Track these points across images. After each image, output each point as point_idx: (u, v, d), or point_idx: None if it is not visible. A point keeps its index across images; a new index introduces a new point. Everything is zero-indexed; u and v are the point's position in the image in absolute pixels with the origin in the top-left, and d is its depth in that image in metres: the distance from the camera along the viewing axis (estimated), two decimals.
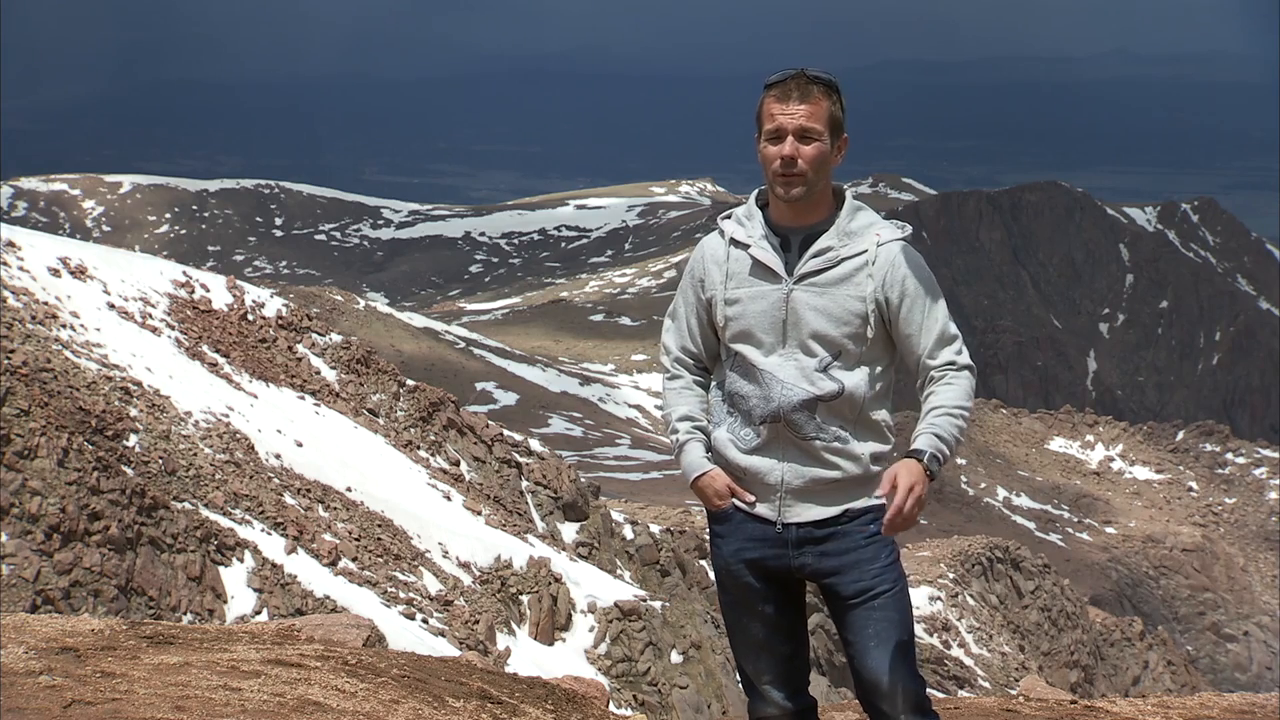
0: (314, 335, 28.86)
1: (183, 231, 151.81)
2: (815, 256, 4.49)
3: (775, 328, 4.49)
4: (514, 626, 22.26)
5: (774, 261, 4.50)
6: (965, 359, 4.49)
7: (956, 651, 41.74)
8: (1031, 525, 72.36)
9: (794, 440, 4.50)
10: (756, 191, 4.63)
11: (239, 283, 28.95)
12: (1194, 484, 79.98)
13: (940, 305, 4.50)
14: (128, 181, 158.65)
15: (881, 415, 4.55)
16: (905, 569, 4.68)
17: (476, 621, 21.08)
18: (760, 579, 4.62)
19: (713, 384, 4.70)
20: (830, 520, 4.53)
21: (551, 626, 22.77)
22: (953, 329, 4.51)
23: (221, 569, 18.19)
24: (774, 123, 4.46)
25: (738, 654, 4.74)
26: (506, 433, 30.57)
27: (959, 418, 4.43)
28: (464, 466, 27.94)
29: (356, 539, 21.41)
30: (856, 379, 4.48)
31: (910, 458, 4.36)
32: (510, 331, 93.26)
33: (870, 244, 4.49)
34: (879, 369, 4.52)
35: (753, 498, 4.56)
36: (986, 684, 39.35)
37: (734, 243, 4.57)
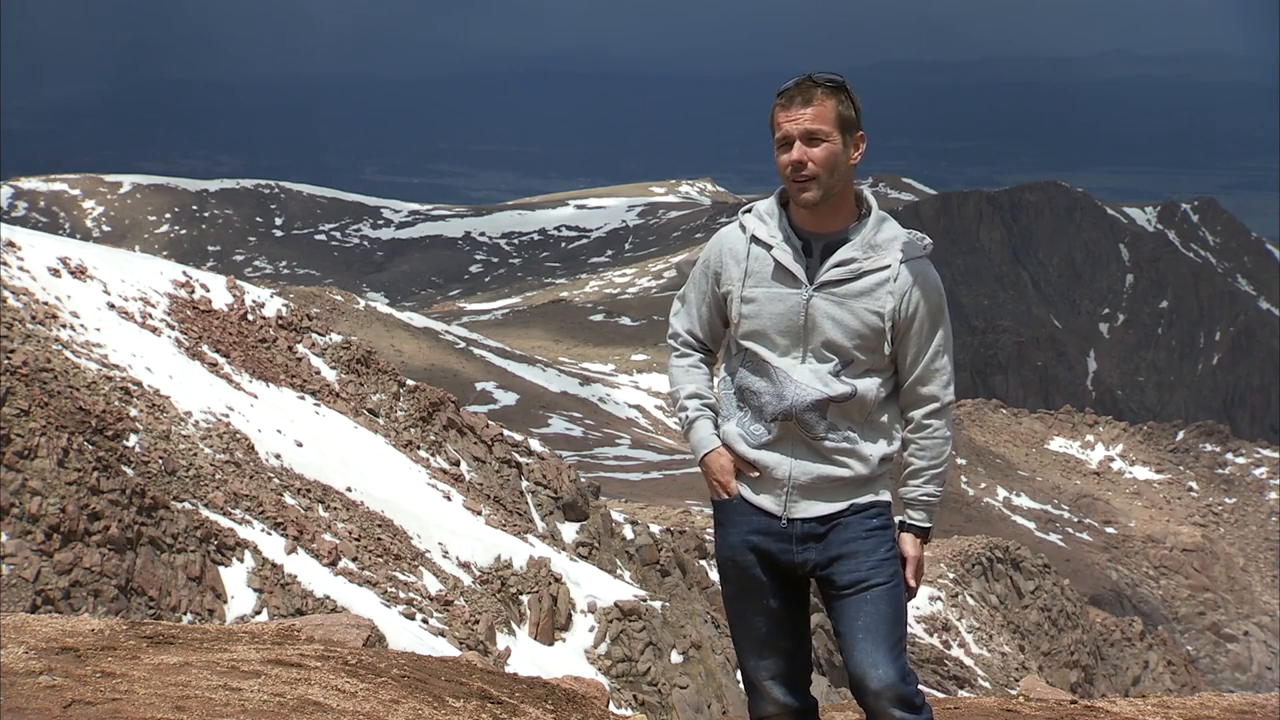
0: (314, 335, 28.86)
1: (183, 231, 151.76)
2: (838, 266, 4.50)
3: (791, 332, 4.50)
4: (514, 626, 22.26)
5: (795, 266, 4.51)
6: (949, 394, 4.63)
7: (956, 651, 41.75)
8: (1031, 525, 72.36)
9: (804, 439, 4.53)
10: (779, 190, 4.62)
11: (239, 283, 28.95)
12: (1194, 484, 80.00)
13: (942, 333, 4.58)
14: (128, 181, 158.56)
15: (889, 417, 4.60)
16: None
17: (476, 621, 21.08)
18: (765, 571, 4.63)
19: (720, 376, 4.71)
20: (834, 515, 4.56)
21: (551, 626, 22.77)
22: (945, 360, 4.60)
23: (221, 569, 18.19)
24: (781, 131, 4.48)
25: (740, 650, 4.75)
26: (506, 433, 30.57)
27: (944, 471, 4.69)
28: (464, 466, 27.95)
29: (356, 539, 21.41)
30: (868, 384, 4.52)
31: (912, 532, 4.68)
32: (510, 331, 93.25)
33: (893, 259, 4.50)
34: (889, 375, 4.58)
35: (757, 473, 4.58)
36: (986, 684, 39.36)
37: (755, 240, 4.57)
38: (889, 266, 4.49)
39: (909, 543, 4.65)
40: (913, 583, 4.66)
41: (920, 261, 4.54)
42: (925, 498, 4.64)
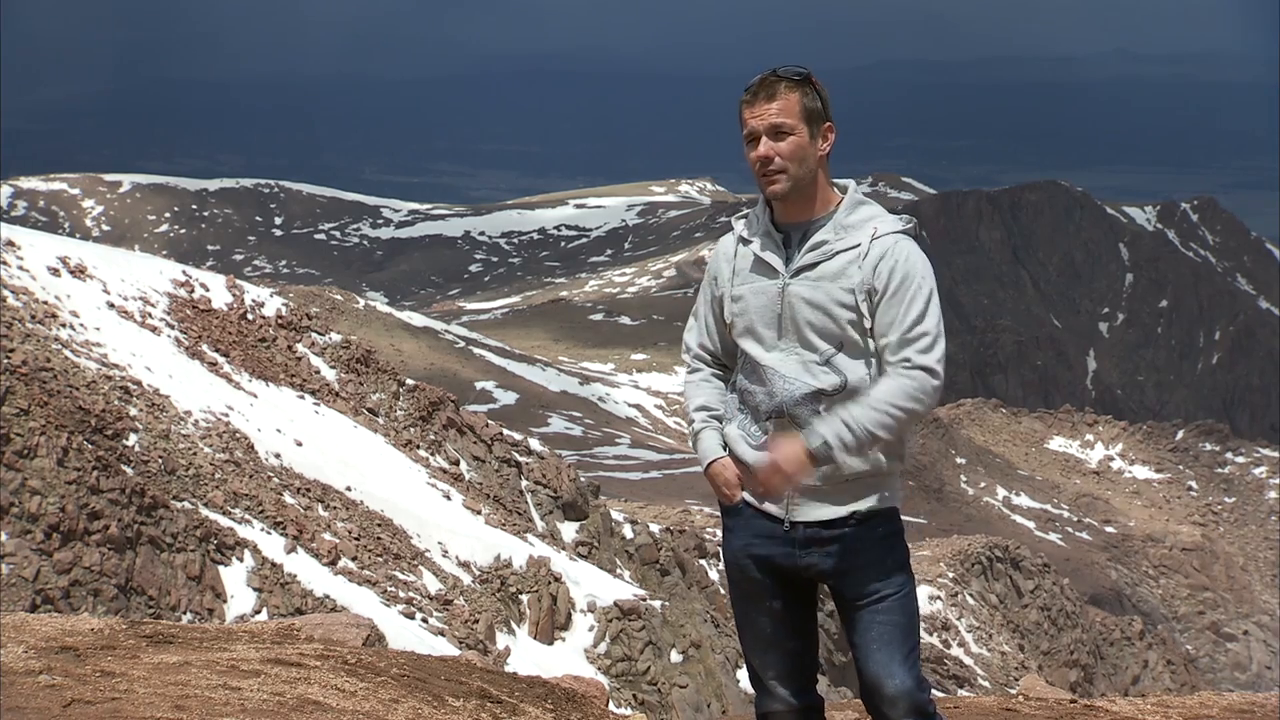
0: (314, 335, 28.85)
1: (183, 231, 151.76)
2: (812, 250, 4.50)
3: (773, 322, 4.51)
4: (514, 626, 22.26)
5: (772, 257, 4.54)
6: (926, 360, 4.38)
7: (956, 651, 41.76)
8: (1031, 525, 72.36)
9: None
10: None
11: (238, 282, 28.95)
12: (1194, 483, 80.00)
13: (919, 302, 4.41)
14: (128, 181, 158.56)
15: None
16: None
17: (476, 621, 21.09)
18: (768, 575, 4.63)
19: (729, 382, 4.76)
20: (838, 521, 4.53)
21: (551, 626, 22.77)
22: (925, 328, 4.41)
23: (221, 568, 18.19)
24: (747, 127, 4.51)
25: (746, 649, 4.76)
26: (506, 432, 30.56)
27: (884, 414, 4.35)
28: (464, 466, 27.95)
29: (356, 538, 21.41)
30: (860, 372, 4.47)
31: (805, 438, 4.38)
32: (510, 331, 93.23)
33: (865, 237, 4.48)
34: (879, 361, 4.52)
35: (764, 488, 4.57)
36: (986, 683, 39.36)
37: (741, 240, 4.63)
38: (860, 244, 4.47)
39: (785, 438, 4.41)
40: (756, 487, 4.42)
41: (894, 236, 4.48)
42: (845, 414, 4.37)
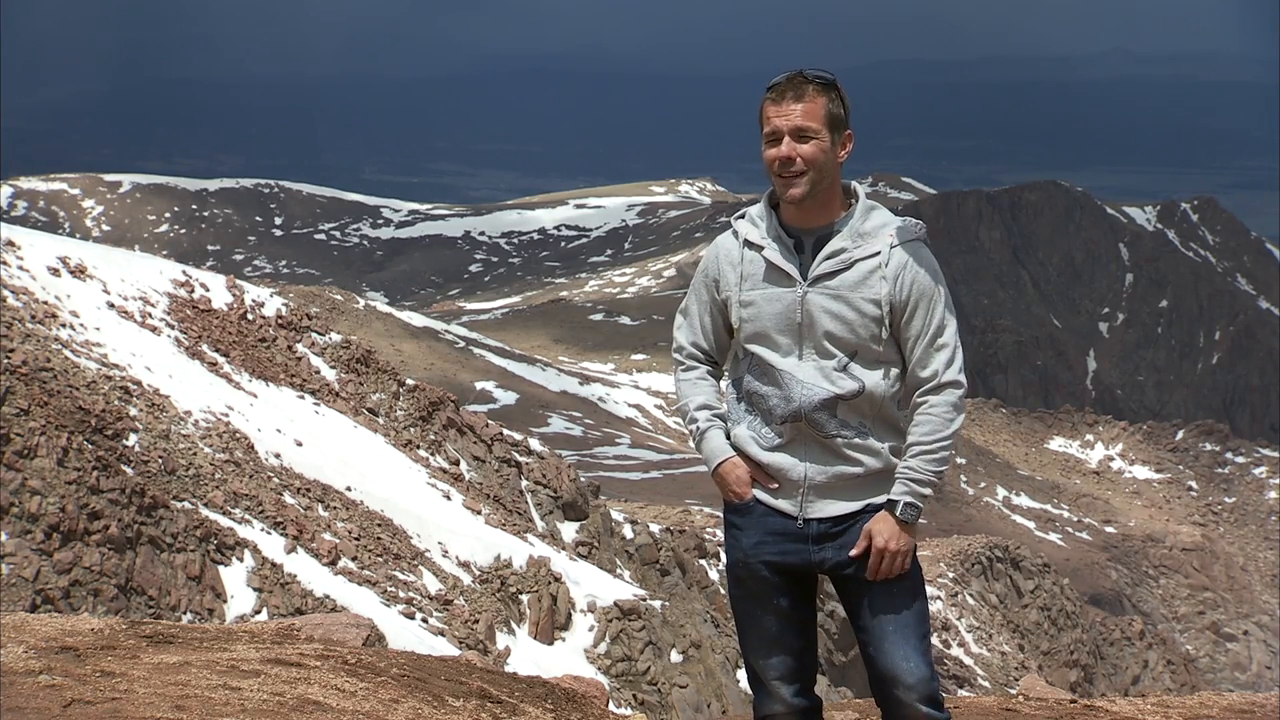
0: (314, 334, 28.85)
1: (183, 231, 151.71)
2: (829, 259, 4.49)
3: (790, 330, 4.49)
4: (514, 626, 22.26)
5: (787, 264, 4.50)
6: (953, 374, 4.49)
7: (956, 651, 41.76)
8: (1031, 525, 72.36)
9: (816, 438, 4.52)
10: (769, 192, 4.61)
11: (239, 282, 28.95)
12: (1194, 483, 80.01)
13: (940, 311, 4.50)
14: (128, 181, 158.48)
15: (900, 409, 4.57)
16: None
17: (476, 621, 21.09)
18: (777, 573, 4.62)
19: (726, 382, 4.71)
20: (851, 515, 4.55)
21: (551, 626, 22.77)
22: (947, 338, 4.50)
23: (221, 568, 18.20)
24: (770, 125, 4.47)
25: (747, 650, 4.73)
26: (506, 432, 30.56)
27: (938, 450, 4.48)
28: (464, 466, 27.94)
29: (356, 538, 21.41)
30: (875, 377, 4.49)
31: (887, 509, 4.49)
32: (510, 331, 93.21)
33: (884, 245, 4.49)
34: (897, 366, 4.54)
35: (776, 484, 4.56)
36: (986, 683, 39.36)
37: (748, 244, 4.57)
38: (879, 253, 4.48)
39: (878, 521, 4.48)
40: (870, 573, 4.47)
41: (912, 244, 4.53)
42: (909, 471, 4.48)
